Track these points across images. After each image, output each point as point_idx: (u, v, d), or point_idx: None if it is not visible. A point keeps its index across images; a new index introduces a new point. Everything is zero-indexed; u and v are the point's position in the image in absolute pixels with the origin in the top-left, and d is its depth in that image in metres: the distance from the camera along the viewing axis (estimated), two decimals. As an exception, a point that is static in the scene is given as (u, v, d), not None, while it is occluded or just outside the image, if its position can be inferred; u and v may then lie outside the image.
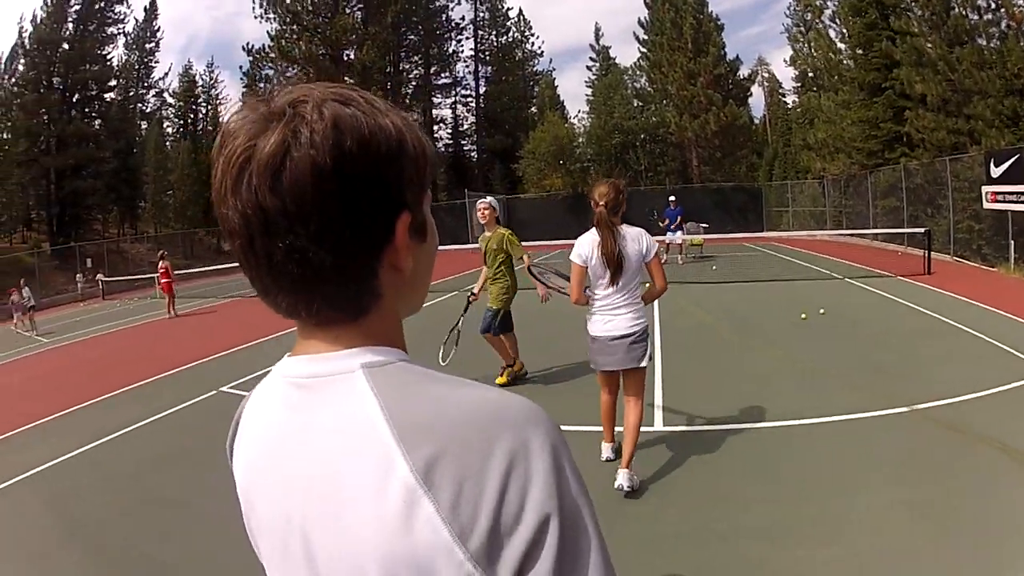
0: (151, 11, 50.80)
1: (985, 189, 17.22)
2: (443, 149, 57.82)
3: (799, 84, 43.70)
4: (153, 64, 51.85)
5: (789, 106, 48.01)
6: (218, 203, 0.72)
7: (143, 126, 50.67)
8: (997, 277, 15.99)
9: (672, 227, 21.06)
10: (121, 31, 48.18)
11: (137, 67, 50.67)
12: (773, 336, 9.86)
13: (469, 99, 57.38)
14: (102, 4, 46.29)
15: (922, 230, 17.09)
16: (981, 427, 5.50)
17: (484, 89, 57.33)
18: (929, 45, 18.93)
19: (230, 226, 0.71)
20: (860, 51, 25.52)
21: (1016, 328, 9.49)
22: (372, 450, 0.67)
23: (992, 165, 16.75)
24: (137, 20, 50.45)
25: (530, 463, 0.66)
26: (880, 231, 23.90)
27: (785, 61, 36.07)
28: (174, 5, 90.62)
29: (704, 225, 23.07)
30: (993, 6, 17.56)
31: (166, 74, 53.01)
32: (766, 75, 49.74)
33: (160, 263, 18.74)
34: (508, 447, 0.65)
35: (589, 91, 52.84)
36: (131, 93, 50.23)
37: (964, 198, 19.37)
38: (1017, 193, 15.86)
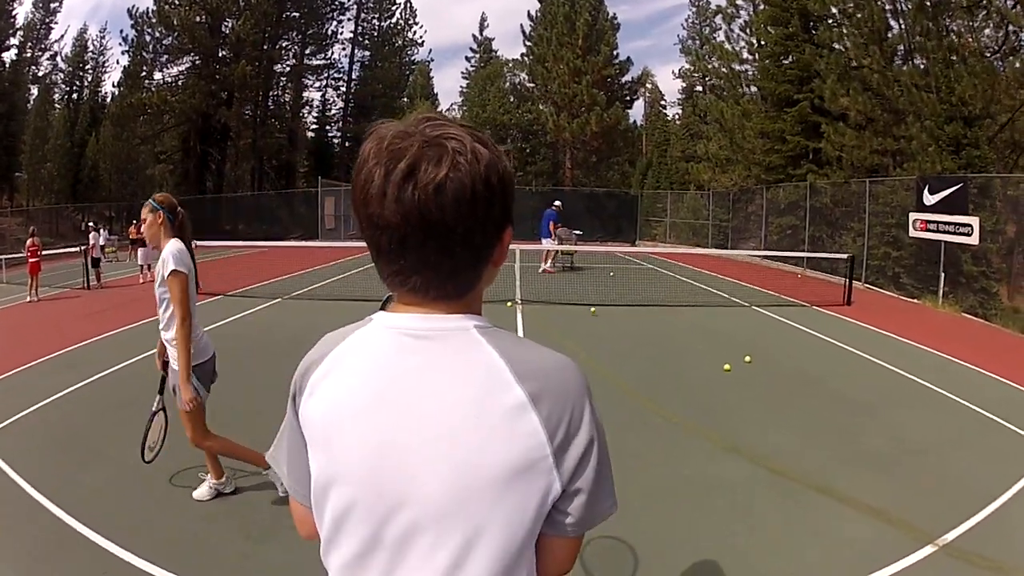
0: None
1: (914, 216, 16.61)
2: (308, 134, 54.82)
3: (685, 97, 44.09)
4: (53, 24, 46.52)
5: (669, 118, 48.19)
6: (371, 203, 0.98)
7: (33, 91, 45.67)
8: (924, 311, 15.47)
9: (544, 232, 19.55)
10: None
11: (38, 27, 45.40)
12: (700, 403, 7.25)
13: (340, 83, 53.93)
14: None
15: (845, 256, 16.00)
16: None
17: (358, 74, 54.24)
18: (865, 60, 18.00)
19: (384, 222, 0.97)
20: (770, 61, 24.81)
21: (989, 387, 8.32)
22: (494, 379, 1.00)
23: (926, 192, 16.07)
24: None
25: (584, 407, 1.05)
26: (778, 253, 23.05)
27: (673, 73, 35.73)
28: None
29: (577, 232, 21.27)
30: (942, 31, 16.79)
31: (62, 36, 48.88)
32: (649, 86, 49.52)
33: (29, 239, 17.20)
34: (574, 394, 1.04)
35: (465, 82, 50.93)
36: (28, 54, 44.88)
37: (882, 223, 18.81)
38: (955, 224, 15.17)
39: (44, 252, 20.35)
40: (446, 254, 1.00)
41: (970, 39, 17.03)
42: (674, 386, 7.90)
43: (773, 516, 4.66)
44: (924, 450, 5.90)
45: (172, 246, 4.13)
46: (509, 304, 13.06)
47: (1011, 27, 17.08)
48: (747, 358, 8.87)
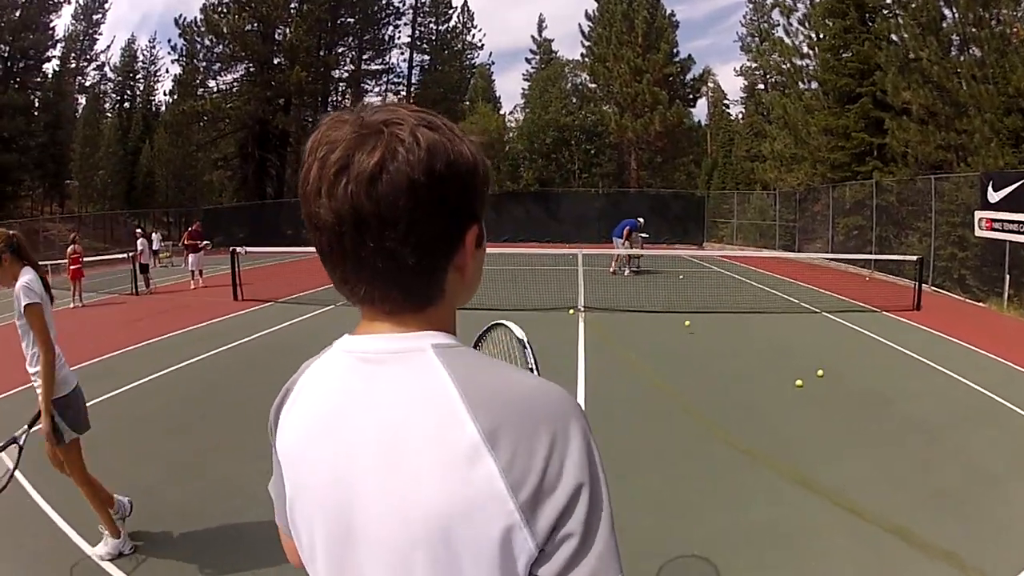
0: (102, -20, 47.87)
1: (979, 215, 15.72)
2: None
3: (747, 95, 43.10)
4: (97, 36, 48.85)
5: (732, 117, 47.13)
6: (309, 201, 0.88)
7: (81, 100, 47.79)
8: (990, 315, 14.70)
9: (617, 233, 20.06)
10: None
11: (82, 38, 47.69)
12: (769, 426, 6.80)
13: (400, 88, 54.67)
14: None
15: (913, 258, 15.22)
16: None
17: (418, 78, 54.80)
18: (923, 51, 17.15)
19: (320, 222, 0.87)
20: (830, 55, 23.92)
21: None
22: (442, 412, 0.84)
23: (991, 189, 15.19)
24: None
25: (569, 441, 0.83)
26: (845, 256, 22.14)
27: (735, 71, 34.97)
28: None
29: (644, 235, 20.97)
30: (992, 19, 15.87)
31: (108, 47, 50.85)
32: (711, 85, 48.47)
33: (70, 246, 16.96)
34: (553, 426, 0.83)
35: (526, 84, 50.91)
36: (72, 65, 47.19)
37: (948, 222, 17.88)
38: (1019, 222, 14.41)
39: (97, 258, 21.20)
40: (386, 255, 0.86)
41: (1020, 27, 15.99)
42: (742, 405, 7.40)
43: (846, 567, 4.26)
44: (997, 479, 5.51)
45: (23, 278, 4.01)
46: (571, 311, 12.76)
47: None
48: (819, 372, 8.45)
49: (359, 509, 0.88)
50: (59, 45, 45.30)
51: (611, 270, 19.89)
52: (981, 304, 15.77)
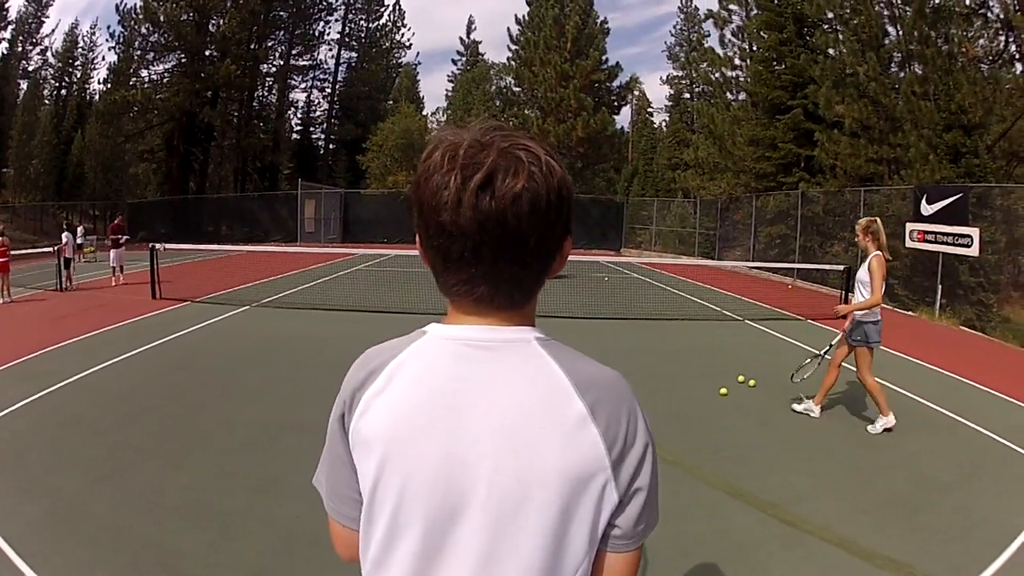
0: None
1: (911, 226, 16.29)
2: (293, 136, 54.82)
3: (672, 104, 44.01)
4: (45, 19, 46.15)
5: (656, 125, 48.03)
6: (443, 211, 0.97)
7: (23, 85, 45.27)
8: (921, 324, 15.13)
9: None
10: None
11: (31, 21, 45.08)
12: (699, 436, 6.55)
13: (326, 84, 53.90)
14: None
15: (840, 267, 15.56)
16: None
17: (344, 75, 54.36)
18: (860, 67, 17.69)
19: (460, 230, 0.97)
20: (763, 67, 24.53)
21: (1000, 409, 7.88)
22: (555, 391, 1.01)
23: (924, 202, 15.78)
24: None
25: (638, 415, 1.06)
26: (770, 265, 22.65)
27: (661, 79, 35.60)
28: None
29: None
30: (939, 38, 16.53)
31: (52, 31, 47.35)
32: (636, 93, 49.29)
33: None
34: (629, 403, 1.06)
35: (451, 86, 50.58)
36: (19, 48, 44.55)
37: (877, 233, 18.46)
38: (954, 235, 14.88)
39: (27, 251, 19.84)
40: (518, 264, 1.01)
41: (969, 47, 16.75)
42: (670, 415, 6.99)
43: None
44: (946, 487, 5.43)
45: None
46: None
47: (1011, 36, 16.84)
48: (751, 383, 8.19)
49: (474, 479, 0.99)
50: (9, 27, 43.00)
51: None
52: (911, 313, 16.31)
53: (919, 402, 7.88)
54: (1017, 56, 17.45)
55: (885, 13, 18.47)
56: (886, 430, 6.53)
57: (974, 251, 14.52)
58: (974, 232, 14.48)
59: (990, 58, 17.36)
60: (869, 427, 6.66)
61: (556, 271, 1.09)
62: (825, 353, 7.46)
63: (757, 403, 7.57)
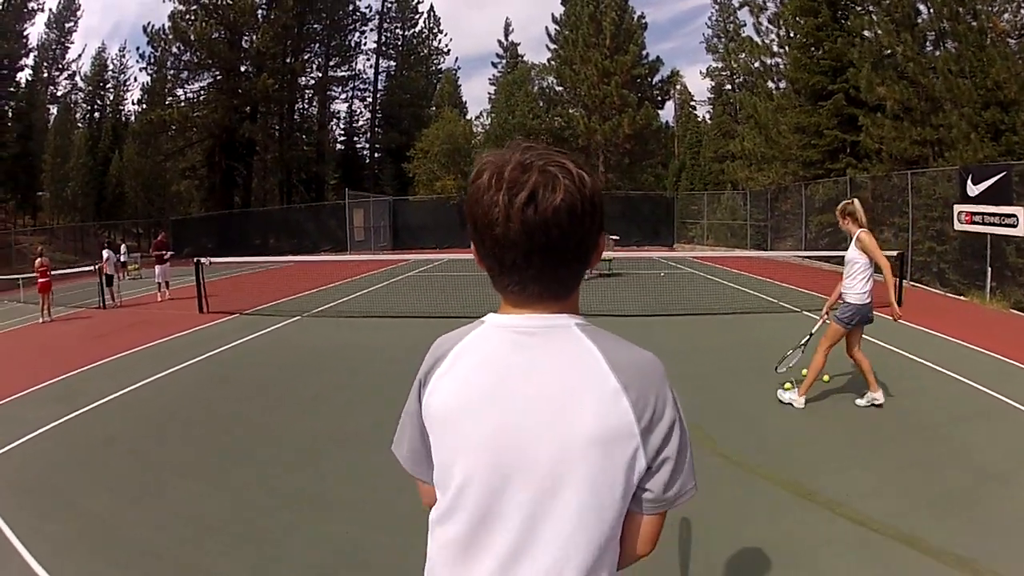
0: (74, -12, 47.28)
1: (958, 208, 16.00)
2: (336, 146, 55.77)
3: (714, 96, 43.58)
4: (69, 44, 48.45)
5: (700, 119, 47.63)
6: (499, 225, 1.17)
7: (52, 111, 47.27)
8: (973, 308, 14.81)
9: None
10: (41, 6, 44.22)
11: (54, 47, 47.30)
12: (761, 435, 6.38)
13: (367, 94, 54.79)
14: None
15: (894, 253, 15.15)
16: None
17: (384, 84, 55.19)
18: (898, 47, 17.41)
19: (511, 241, 1.18)
20: (801, 53, 24.20)
21: None
22: (593, 369, 1.20)
23: (970, 182, 15.44)
24: (60, -3, 47.29)
25: (668, 392, 1.24)
26: (820, 254, 22.34)
27: (701, 72, 35.26)
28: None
29: (614, 237, 20.75)
30: (968, 14, 16.15)
31: (79, 56, 50.08)
32: (678, 87, 48.90)
33: (37, 259, 16.76)
34: (659, 381, 1.23)
35: (493, 89, 50.85)
36: (44, 75, 46.76)
37: (925, 216, 18.15)
38: (1000, 215, 14.56)
39: (66, 271, 20.70)
40: (562, 264, 1.23)
41: (996, 22, 16.32)
42: (730, 412, 6.96)
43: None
44: (1005, 477, 5.31)
45: None
46: None
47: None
48: (825, 378, 7.67)
49: (524, 445, 1.20)
50: (32, 54, 44.94)
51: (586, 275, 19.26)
52: (962, 297, 15.99)
53: (974, 387, 7.77)
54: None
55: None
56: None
57: (1020, 231, 14.18)
58: (1019, 211, 14.13)
59: (1017, 32, 16.88)
60: (779, 393, 7.22)
61: (594, 264, 1.32)
62: (805, 342, 7.59)
63: (817, 400, 7.33)
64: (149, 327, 13.29)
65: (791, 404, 7.04)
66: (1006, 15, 16.87)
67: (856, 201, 6.86)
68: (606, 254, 19.01)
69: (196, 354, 10.36)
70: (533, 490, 1.20)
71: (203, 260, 15.38)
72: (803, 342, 7.63)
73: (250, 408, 7.43)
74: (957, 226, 16.20)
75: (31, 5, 42.98)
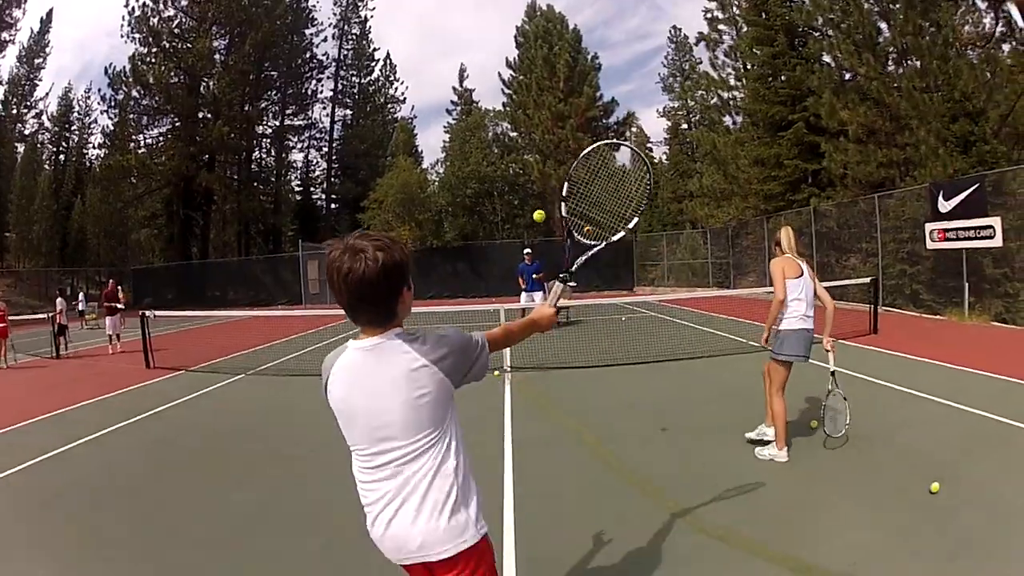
0: (45, 23, 47.51)
1: (930, 227, 15.93)
2: (295, 197, 55.49)
3: (671, 135, 44.14)
4: (38, 81, 48.28)
5: (656, 160, 48.09)
6: (335, 285, 2.03)
7: (19, 148, 46.98)
8: (952, 327, 14.61)
9: (527, 287, 17.21)
10: (12, 38, 44.29)
11: (23, 83, 46.92)
12: (746, 496, 5.44)
13: (323, 143, 54.60)
14: (-3, 4, 42.23)
15: (866, 280, 14.81)
16: None
17: (340, 133, 55.15)
18: (861, 68, 17.50)
19: (342, 295, 2.01)
20: (759, 84, 24.46)
21: None
22: (408, 359, 2.05)
23: (941, 198, 15.40)
24: (32, 30, 47.51)
25: (442, 348, 2.11)
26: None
27: (658, 112, 35.63)
28: (75, 25, 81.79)
29: (572, 284, 19.79)
30: (931, 26, 16.32)
31: (47, 94, 50.39)
32: (635, 130, 49.50)
33: None
34: (440, 344, 2.13)
35: (447, 137, 50.82)
36: (13, 111, 46.30)
37: (894, 239, 18.05)
38: (976, 228, 14.49)
39: (23, 317, 19.72)
40: (374, 307, 2.07)
41: (959, 32, 16.54)
42: (706, 475, 5.91)
43: None
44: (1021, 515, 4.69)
45: None
46: (496, 373, 11.20)
47: (998, 15, 16.65)
48: (813, 423, 6.99)
49: (377, 411, 2.08)
50: (1, 88, 44.61)
51: None
52: (939, 317, 15.79)
53: (971, 413, 7.17)
54: (1006, 35, 17.23)
55: (875, 9, 18.28)
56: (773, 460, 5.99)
57: (998, 241, 14.08)
58: (995, 221, 14.06)
59: (981, 42, 17.13)
60: (757, 451, 6.18)
61: (404, 312, 2.14)
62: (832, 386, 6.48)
63: (802, 444, 6.53)
64: (96, 381, 12.84)
65: (772, 460, 6.07)
66: (967, 27, 17.11)
67: (786, 229, 6.38)
68: (562, 302, 17.58)
69: (138, 412, 9.83)
70: (394, 431, 2.09)
71: (148, 313, 14.85)
72: (832, 387, 6.47)
73: (185, 477, 6.73)
74: (930, 244, 16.07)
75: (3, 36, 42.79)
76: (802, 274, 6.12)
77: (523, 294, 17.11)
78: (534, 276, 17.07)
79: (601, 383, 10.48)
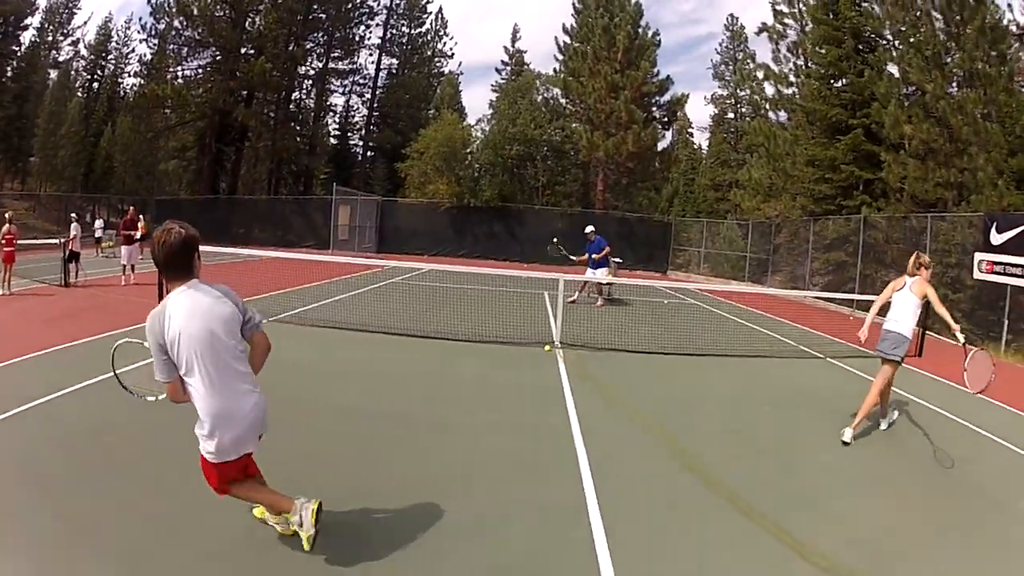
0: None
1: (979, 257, 15.80)
2: (330, 140, 55.58)
3: (716, 123, 43.61)
4: (77, 10, 48.75)
5: (696, 146, 47.70)
6: (157, 251, 3.80)
7: (52, 75, 47.55)
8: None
9: (591, 264, 17.85)
10: None
11: (61, 11, 47.52)
12: (825, 511, 5.47)
13: (366, 90, 54.35)
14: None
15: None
16: None
17: (384, 81, 54.73)
18: (929, 84, 17.26)
19: (160, 258, 3.81)
20: (821, 84, 24.11)
21: None
22: (212, 295, 3.90)
23: (994, 230, 15.30)
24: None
25: (235, 296, 4.09)
26: (832, 295, 22.03)
27: (705, 99, 35.15)
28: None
29: (617, 260, 19.95)
30: (1000, 58, 16.07)
31: (85, 22, 50.44)
32: (679, 114, 48.83)
33: (5, 226, 15.68)
34: (234, 295, 4.06)
35: (495, 96, 50.53)
36: (49, 38, 46.96)
37: (942, 263, 17.95)
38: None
39: (39, 241, 19.99)
40: (181, 267, 3.79)
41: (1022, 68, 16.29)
42: (794, 494, 5.75)
43: None
44: None
45: None
46: (548, 348, 11.36)
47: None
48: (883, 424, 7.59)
49: (199, 335, 3.73)
50: (38, 14, 44.70)
51: (572, 299, 17.67)
52: (974, 348, 15.75)
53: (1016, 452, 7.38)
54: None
55: (942, 28, 17.95)
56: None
57: (1046, 284, 14.06)
58: (1047, 264, 14.03)
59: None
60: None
61: (199, 268, 3.85)
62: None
63: (886, 469, 6.64)
64: (102, 314, 12.44)
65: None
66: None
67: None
68: (606, 279, 17.87)
69: (137, 358, 8.77)
70: (206, 348, 3.72)
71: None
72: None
73: (177, 443, 5.36)
74: (977, 275, 16.03)
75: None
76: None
77: (588, 270, 17.89)
78: (594, 256, 17.87)
79: (654, 371, 10.64)
